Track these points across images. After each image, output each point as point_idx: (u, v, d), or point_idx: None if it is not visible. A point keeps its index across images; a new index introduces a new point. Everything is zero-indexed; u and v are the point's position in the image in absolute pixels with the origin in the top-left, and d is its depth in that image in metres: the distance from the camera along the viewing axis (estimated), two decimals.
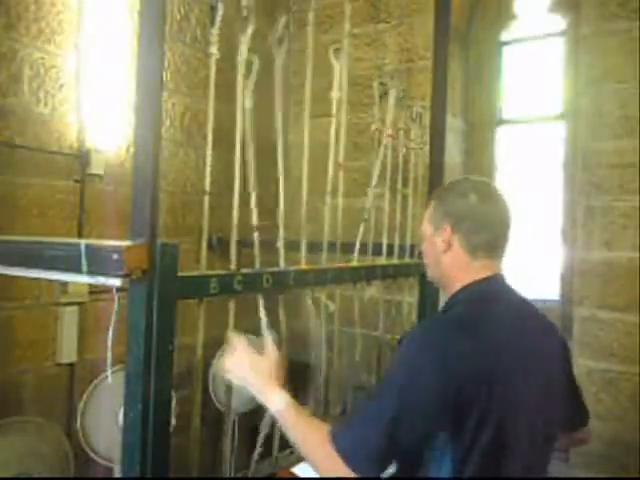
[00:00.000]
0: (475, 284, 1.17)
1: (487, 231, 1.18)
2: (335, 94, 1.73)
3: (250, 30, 1.35)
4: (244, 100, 1.36)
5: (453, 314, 1.15)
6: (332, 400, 1.86)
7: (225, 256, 1.36)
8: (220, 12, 1.33)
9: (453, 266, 1.19)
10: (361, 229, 1.93)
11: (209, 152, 1.37)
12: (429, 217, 1.25)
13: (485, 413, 1.02)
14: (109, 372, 1.17)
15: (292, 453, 1.59)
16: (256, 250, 1.42)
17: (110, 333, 1.07)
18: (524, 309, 1.22)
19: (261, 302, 1.44)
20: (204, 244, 1.40)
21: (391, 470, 1.09)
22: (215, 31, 1.34)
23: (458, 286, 1.19)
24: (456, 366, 1.02)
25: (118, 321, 1.07)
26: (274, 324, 1.48)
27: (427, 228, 1.25)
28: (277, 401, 1.15)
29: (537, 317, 1.23)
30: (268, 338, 1.29)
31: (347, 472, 1.00)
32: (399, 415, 1.01)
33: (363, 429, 1.03)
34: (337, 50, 1.73)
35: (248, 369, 1.21)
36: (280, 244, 1.51)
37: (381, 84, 2.07)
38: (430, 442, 1.05)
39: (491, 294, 1.18)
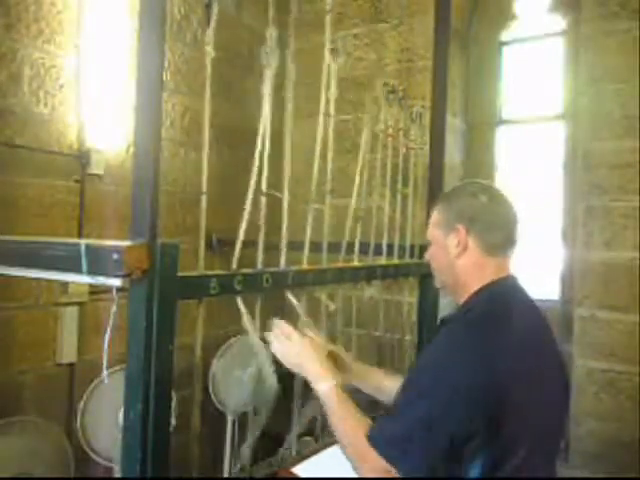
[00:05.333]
0: (495, 284, 1.16)
1: (500, 230, 1.18)
2: (332, 93, 1.72)
3: (274, 34, 1.34)
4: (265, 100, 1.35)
5: (479, 315, 1.12)
6: None
7: (225, 257, 1.36)
8: (215, 10, 1.32)
9: (469, 267, 1.17)
10: (347, 229, 1.92)
11: (206, 151, 1.35)
12: (437, 222, 1.23)
13: (518, 416, 1.02)
14: (105, 373, 1.16)
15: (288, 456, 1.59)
16: (259, 250, 1.41)
17: (108, 333, 1.07)
18: (537, 310, 1.21)
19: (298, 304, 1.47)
20: (202, 243, 1.39)
21: None
22: (211, 31, 1.33)
23: (475, 288, 1.16)
24: (487, 368, 1.01)
25: (118, 321, 1.07)
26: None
27: (435, 234, 1.23)
28: (324, 385, 1.18)
29: (546, 319, 1.23)
30: (310, 325, 1.33)
31: (382, 465, 1.01)
32: (430, 415, 1.01)
33: (394, 425, 1.04)
34: (333, 50, 1.73)
35: (304, 355, 1.25)
36: (283, 244, 1.51)
37: (384, 84, 2.06)
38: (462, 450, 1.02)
39: (511, 294, 1.18)
